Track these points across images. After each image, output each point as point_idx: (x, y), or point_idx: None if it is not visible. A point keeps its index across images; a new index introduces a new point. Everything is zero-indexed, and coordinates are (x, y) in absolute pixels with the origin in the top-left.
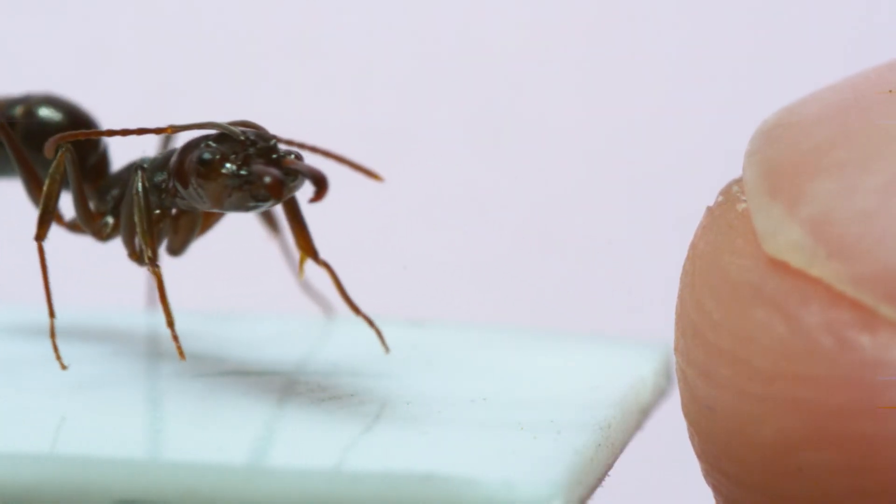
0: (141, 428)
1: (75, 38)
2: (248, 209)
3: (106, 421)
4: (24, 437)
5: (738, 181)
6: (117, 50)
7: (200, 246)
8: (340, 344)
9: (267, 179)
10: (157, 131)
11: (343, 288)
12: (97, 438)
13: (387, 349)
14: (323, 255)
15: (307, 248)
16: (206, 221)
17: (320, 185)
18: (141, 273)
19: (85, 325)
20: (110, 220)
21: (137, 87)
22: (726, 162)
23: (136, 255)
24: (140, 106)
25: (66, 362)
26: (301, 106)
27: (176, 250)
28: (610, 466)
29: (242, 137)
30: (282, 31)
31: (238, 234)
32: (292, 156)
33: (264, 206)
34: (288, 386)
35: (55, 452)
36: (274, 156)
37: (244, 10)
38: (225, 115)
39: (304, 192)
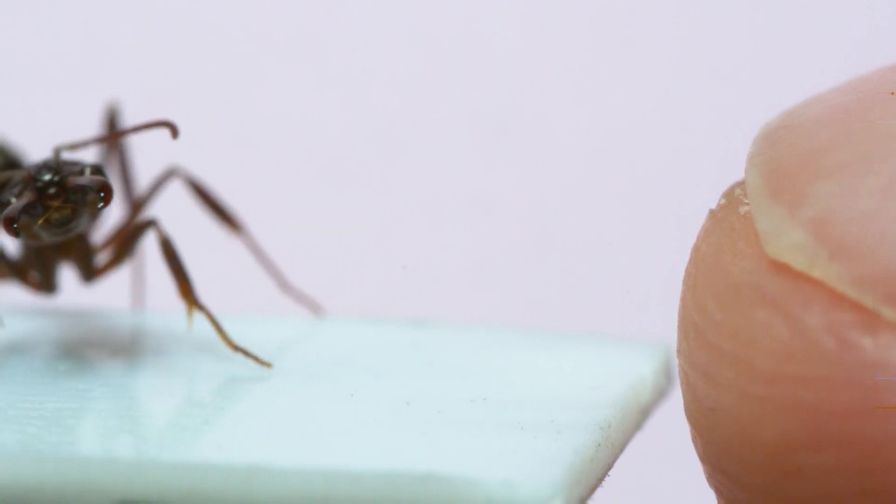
0: (141, 428)
1: (75, 37)
2: (61, 234)
3: (106, 421)
4: (25, 437)
5: (740, 184)
6: (117, 49)
7: (200, 247)
8: (339, 343)
9: (11, 214)
10: None
11: (222, 330)
12: (97, 438)
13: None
14: (323, 254)
15: (184, 295)
16: (118, 248)
17: (104, 191)
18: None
19: (84, 325)
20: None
21: (136, 86)
22: (726, 163)
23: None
24: (140, 105)
25: (66, 364)
26: (301, 106)
27: (84, 277)
28: (610, 466)
29: (27, 174)
30: (282, 30)
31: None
32: (86, 171)
33: (73, 227)
34: (287, 386)
35: (55, 452)
36: (57, 178)
37: (244, 10)
38: (222, 116)
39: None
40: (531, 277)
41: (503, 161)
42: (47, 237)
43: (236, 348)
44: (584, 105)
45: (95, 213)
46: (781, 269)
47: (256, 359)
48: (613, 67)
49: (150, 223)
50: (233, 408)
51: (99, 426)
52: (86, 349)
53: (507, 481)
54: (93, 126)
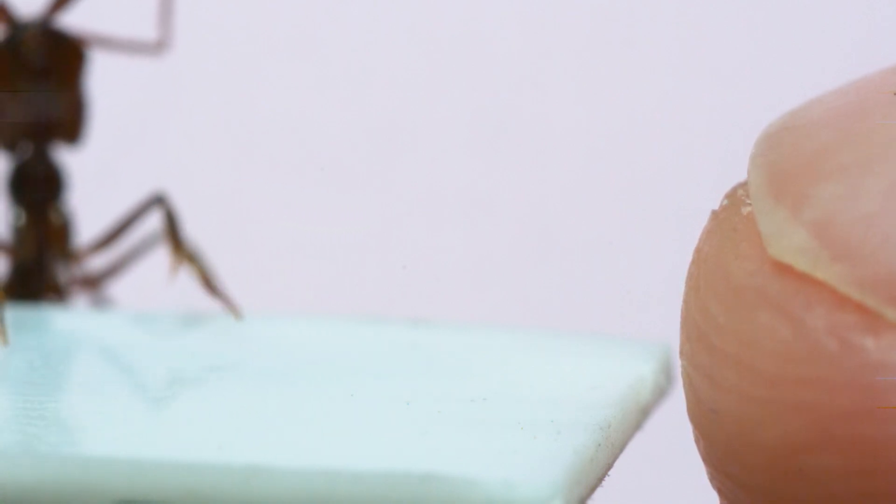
0: (141, 428)
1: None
2: (33, 72)
3: (106, 421)
4: (25, 437)
5: (742, 185)
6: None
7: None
8: (339, 343)
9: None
10: None
11: (206, 275)
12: (97, 438)
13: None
14: (323, 254)
15: (175, 250)
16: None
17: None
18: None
19: (85, 325)
20: None
21: (136, 86)
22: (728, 163)
23: None
24: (139, 103)
25: (66, 364)
26: (301, 106)
27: (61, 265)
28: (610, 466)
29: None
30: (282, 30)
31: (237, 237)
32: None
33: (45, 66)
34: (287, 386)
35: (55, 452)
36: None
37: (244, 10)
38: (222, 116)
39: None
40: (531, 277)
41: (503, 161)
42: (20, 84)
43: (215, 292)
44: (584, 105)
45: (72, 62)
46: (784, 270)
47: (231, 306)
48: (613, 67)
49: (158, 199)
50: (232, 408)
51: (99, 426)
52: (87, 349)
53: (507, 481)
54: (92, 126)
